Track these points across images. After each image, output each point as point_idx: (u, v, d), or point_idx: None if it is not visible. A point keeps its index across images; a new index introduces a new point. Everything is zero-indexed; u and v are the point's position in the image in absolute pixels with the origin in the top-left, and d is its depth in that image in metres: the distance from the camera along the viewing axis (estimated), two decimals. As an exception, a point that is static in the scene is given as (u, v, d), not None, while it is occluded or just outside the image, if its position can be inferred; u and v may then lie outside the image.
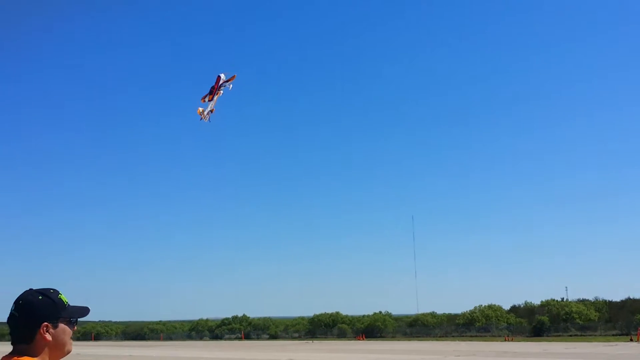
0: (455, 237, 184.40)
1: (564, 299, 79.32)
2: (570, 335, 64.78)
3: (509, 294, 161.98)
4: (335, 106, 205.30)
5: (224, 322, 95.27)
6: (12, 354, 3.14)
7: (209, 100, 28.39)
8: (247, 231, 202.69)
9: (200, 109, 28.53)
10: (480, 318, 73.43)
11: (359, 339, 73.90)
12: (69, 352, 3.29)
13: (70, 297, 3.35)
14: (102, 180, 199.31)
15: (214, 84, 28.66)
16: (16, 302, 3.19)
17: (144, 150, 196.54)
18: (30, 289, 3.25)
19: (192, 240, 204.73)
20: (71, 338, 3.30)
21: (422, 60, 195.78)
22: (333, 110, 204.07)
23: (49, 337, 3.16)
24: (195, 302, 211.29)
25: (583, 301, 74.96)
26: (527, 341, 59.22)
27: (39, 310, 3.15)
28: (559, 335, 65.20)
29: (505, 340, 61.36)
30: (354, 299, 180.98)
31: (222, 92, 28.25)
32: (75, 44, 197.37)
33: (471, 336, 69.70)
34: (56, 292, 3.27)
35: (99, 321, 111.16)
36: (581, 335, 63.93)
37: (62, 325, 3.22)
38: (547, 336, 65.16)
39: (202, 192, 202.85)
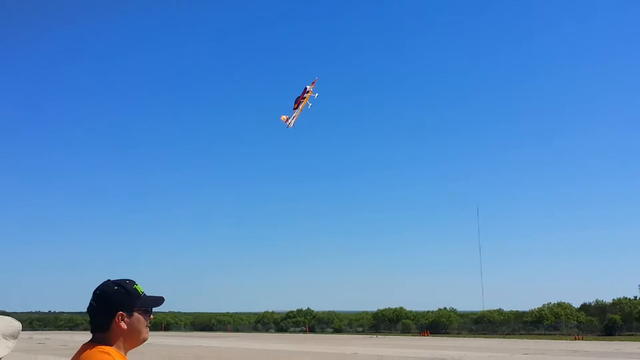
0: (523, 233, 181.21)
1: (637, 298, 76.82)
2: (644, 335, 62.82)
3: (579, 292, 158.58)
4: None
5: (289, 315, 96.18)
6: (91, 341, 3.28)
7: (294, 109, 30.69)
8: (312, 225, 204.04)
9: (285, 117, 30.98)
10: (549, 316, 71.80)
11: (424, 335, 73.36)
12: (144, 340, 3.44)
13: (148, 288, 3.45)
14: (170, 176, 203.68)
15: (300, 94, 30.88)
16: (94, 293, 3.34)
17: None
18: (108, 280, 3.39)
19: (259, 233, 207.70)
20: (147, 327, 3.42)
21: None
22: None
23: (124, 325, 3.29)
24: (261, 294, 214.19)
25: (657, 300, 72.50)
26: (599, 340, 57.62)
27: (114, 300, 3.28)
28: (632, 335, 63.16)
29: (575, 339, 59.83)
30: (418, 294, 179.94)
31: (310, 103, 30.37)
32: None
33: (539, 334, 68.22)
34: (132, 283, 3.40)
35: (169, 312, 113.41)
36: (656, 335, 61.93)
37: (137, 315, 3.35)
38: (619, 335, 63.27)
39: (266, 187, 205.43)
